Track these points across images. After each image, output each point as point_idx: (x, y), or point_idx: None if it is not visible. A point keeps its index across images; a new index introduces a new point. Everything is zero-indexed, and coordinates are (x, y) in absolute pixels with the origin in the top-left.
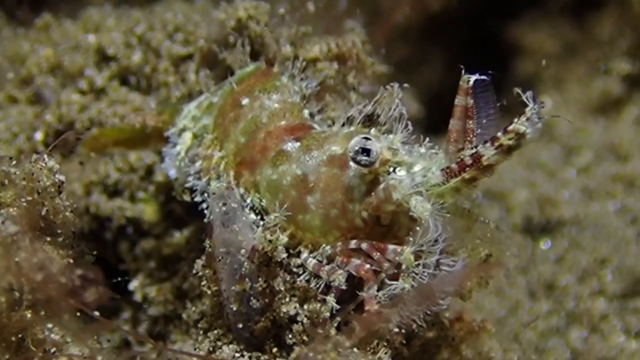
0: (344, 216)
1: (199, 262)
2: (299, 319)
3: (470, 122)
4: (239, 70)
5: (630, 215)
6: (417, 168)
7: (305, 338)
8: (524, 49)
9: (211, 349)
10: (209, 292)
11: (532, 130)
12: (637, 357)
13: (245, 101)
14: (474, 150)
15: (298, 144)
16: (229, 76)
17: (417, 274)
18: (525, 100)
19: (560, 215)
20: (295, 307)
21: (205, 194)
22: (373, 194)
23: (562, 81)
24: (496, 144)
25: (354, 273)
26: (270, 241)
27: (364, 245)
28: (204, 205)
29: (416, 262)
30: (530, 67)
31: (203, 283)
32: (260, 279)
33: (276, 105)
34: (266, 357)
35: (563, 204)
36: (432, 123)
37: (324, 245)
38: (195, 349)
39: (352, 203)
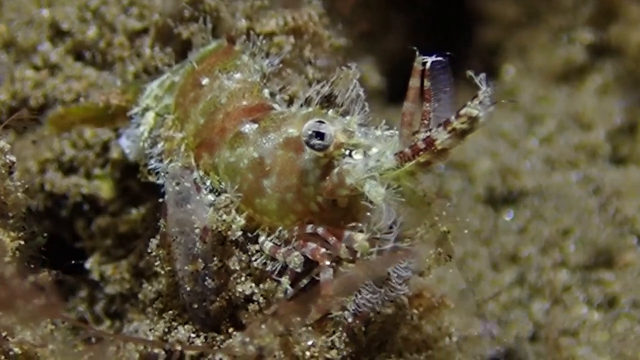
0: (300, 200)
1: (154, 242)
2: (255, 298)
3: (427, 104)
4: (200, 49)
5: (592, 186)
6: (374, 151)
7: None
8: (487, 16)
9: (166, 329)
10: (163, 272)
11: (484, 114)
12: (600, 328)
13: (205, 81)
14: (427, 135)
15: (256, 125)
16: (189, 54)
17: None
18: (478, 83)
19: (522, 185)
20: (250, 287)
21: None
22: (327, 178)
23: (525, 49)
24: (449, 128)
25: (309, 257)
26: (224, 221)
27: (320, 230)
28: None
29: (371, 249)
30: (494, 35)
31: (157, 263)
32: (214, 259)
33: (235, 85)
34: (222, 337)
35: (525, 174)
36: (394, 94)
37: (280, 228)
38: (150, 330)
39: (306, 187)
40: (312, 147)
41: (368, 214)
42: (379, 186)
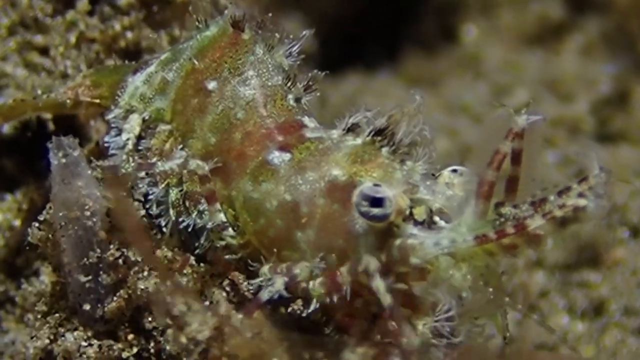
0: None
1: (35, 231)
2: None
3: (517, 168)
4: (197, 34)
5: (574, 168)
6: (437, 205)
7: (168, 322)
8: None
9: (51, 337)
10: (47, 267)
11: (595, 205)
12: (584, 341)
13: (212, 85)
14: (517, 218)
15: (288, 155)
16: (182, 41)
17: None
18: (589, 164)
19: None
20: (155, 283)
21: (164, 207)
22: (385, 249)
23: (490, 5)
24: (548, 216)
25: (357, 337)
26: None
27: (375, 309)
28: (162, 222)
29: (434, 342)
30: None
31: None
32: (111, 247)
33: (253, 92)
34: (120, 345)
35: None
36: (327, 59)
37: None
38: (32, 338)
39: (355, 254)
40: (368, 217)
41: (420, 274)
42: (462, 278)
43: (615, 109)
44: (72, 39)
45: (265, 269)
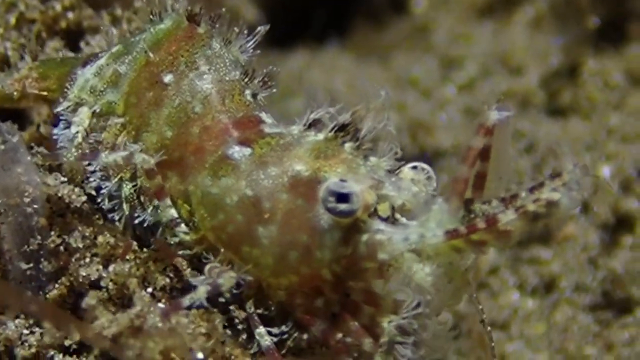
0: (308, 263)
1: None
2: (103, 284)
3: (485, 164)
4: (150, 27)
5: (525, 142)
6: (398, 201)
7: (112, 309)
8: None
9: None
10: None
11: (568, 200)
12: (535, 318)
13: (168, 78)
14: (488, 213)
15: (248, 150)
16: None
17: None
18: (562, 161)
19: (437, 144)
20: (97, 270)
21: (117, 202)
22: (351, 244)
23: None
24: (520, 210)
25: (317, 335)
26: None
27: (337, 309)
28: (116, 217)
29: (401, 340)
30: None
31: None
32: (52, 234)
33: (211, 86)
34: (62, 333)
35: (441, 129)
36: (275, 33)
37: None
38: None
39: (320, 250)
40: (335, 213)
41: (383, 272)
42: (425, 275)
43: (565, 82)
44: (12, 20)
45: (207, 268)
